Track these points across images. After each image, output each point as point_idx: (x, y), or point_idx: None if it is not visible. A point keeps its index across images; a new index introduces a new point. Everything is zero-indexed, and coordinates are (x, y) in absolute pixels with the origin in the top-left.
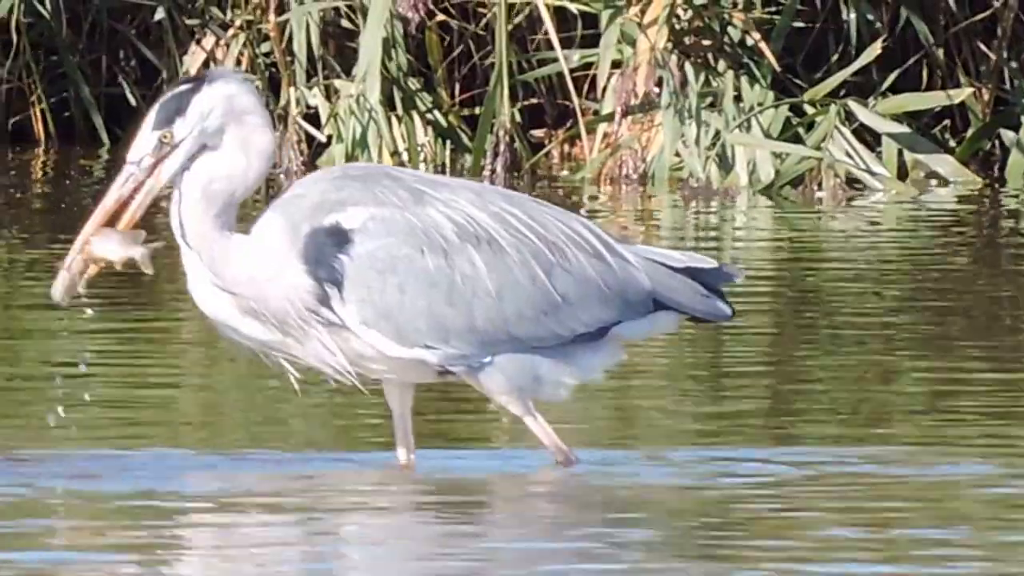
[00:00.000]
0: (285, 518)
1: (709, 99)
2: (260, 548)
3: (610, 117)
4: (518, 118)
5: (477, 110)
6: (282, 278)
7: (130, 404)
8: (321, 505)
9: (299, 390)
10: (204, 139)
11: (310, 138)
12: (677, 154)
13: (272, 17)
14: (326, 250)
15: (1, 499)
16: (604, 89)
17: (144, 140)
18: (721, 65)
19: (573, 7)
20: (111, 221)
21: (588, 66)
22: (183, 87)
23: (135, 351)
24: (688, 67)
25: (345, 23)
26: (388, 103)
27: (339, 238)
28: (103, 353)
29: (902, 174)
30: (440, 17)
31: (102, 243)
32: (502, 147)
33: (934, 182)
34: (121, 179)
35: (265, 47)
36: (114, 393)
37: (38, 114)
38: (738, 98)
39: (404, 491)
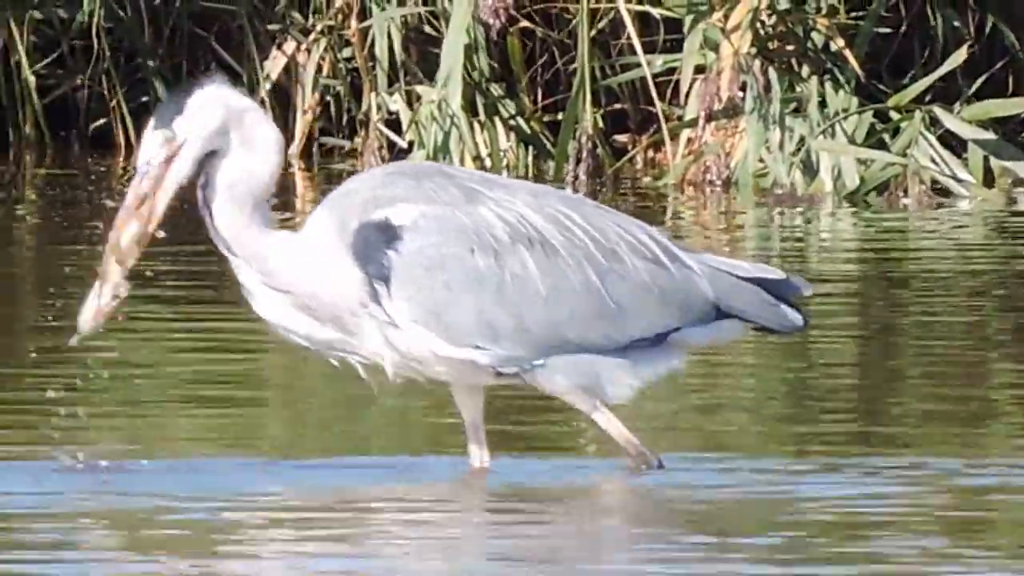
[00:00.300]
0: (353, 522)
1: (793, 105)
2: (326, 553)
3: (693, 122)
4: (601, 124)
5: (560, 116)
6: (333, 274)
7: (207, 409)
8: (389, 510)
9: (376, 387)
10: (209, 140)
11: (391, 144)
12: (761, 160)
13: (354, 23)
14: (375, 246)
15: (85, 505)
16: (687, 94)
17: (149, 141)
18: (805, 70)
19: (655, 12)
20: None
21: (672, 71)
22: (179, 92)
23: (212, 350)
24: (772, 72)
25: (427, 28)
26: (470, 108)
27: (388, 234)
28: (187, 352)
29: (988, 180)
30: (523, 23)
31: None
32: (584, 153)
33: (1021, 189)
34: (136, 180)
35: (346, 52)
36: (191, 395)
37: (118, 119)
38: (822, 104)
39: (476, 497)
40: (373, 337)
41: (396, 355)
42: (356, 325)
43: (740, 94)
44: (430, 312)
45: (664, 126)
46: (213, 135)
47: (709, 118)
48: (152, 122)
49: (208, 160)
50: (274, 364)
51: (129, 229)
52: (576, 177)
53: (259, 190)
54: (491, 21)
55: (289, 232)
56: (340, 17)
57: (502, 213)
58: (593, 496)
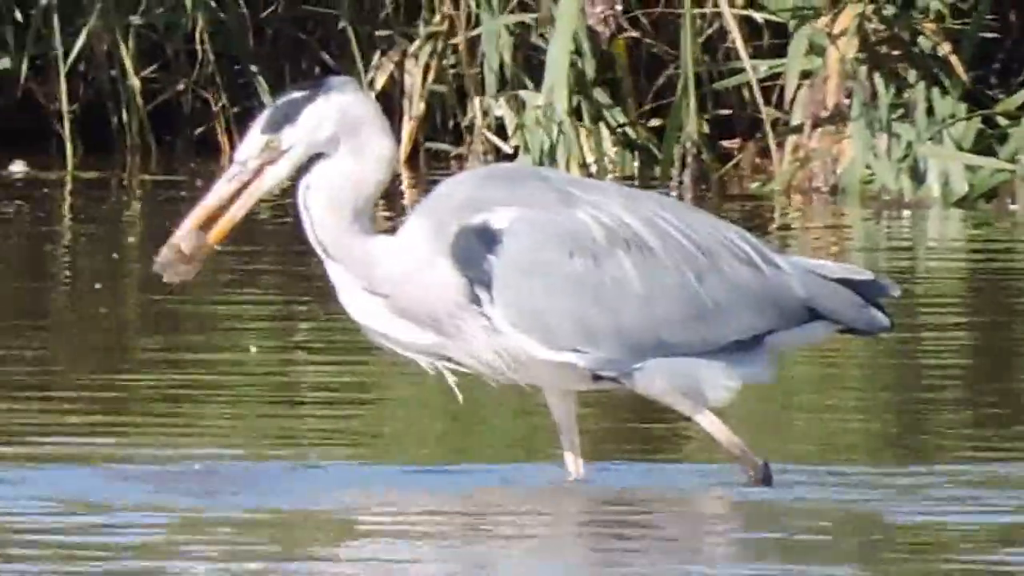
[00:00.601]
0: (448, 531)
1: (900, 111)
2: (423, 559)
3: (799, 128)
4: (707, 129)
5: (665, 121)
6: (432, 277)
7: (299, 414)
8: (483, 519)
9: (460, 396)
10: (315, 148)
11: (497, 149)
12: (868, 166)
13: (461, 31)
14: (474, 249)
15: (192, 506)
16: (793, 100)
17: (251, 142)
18: (912, 76)
19: (758, 17)
20: (212, 219)
21: (778, 76)
22: (298, 95)
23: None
24: (878, 78)
25: (532, 35)
26: (575, 114)
27: (487, 238)
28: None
29: None
30: (630, 32)
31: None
32: (689, 158)
33: None
34: (225, 178)
35: (451, 58)
36: (292, 398)
37: (222, 124)
38: (930, 110)
39: (571, 504)
40: (473, 340)
41: (495, 358)
42: (455, 328)
43: (846, 100)
44: (529, 316)
45: (770, 132)
46: (321, 144)
47: (815, 124)
48: (261, 122)
49: (312, 160)
50: (375, 369)
51: (196, 226)
52: (681, 182)
53: (363, 198)
54: (600, 29)
55: (387, 236)
56: (447, 23)
57: (598, 216)
58: (693, 502)
